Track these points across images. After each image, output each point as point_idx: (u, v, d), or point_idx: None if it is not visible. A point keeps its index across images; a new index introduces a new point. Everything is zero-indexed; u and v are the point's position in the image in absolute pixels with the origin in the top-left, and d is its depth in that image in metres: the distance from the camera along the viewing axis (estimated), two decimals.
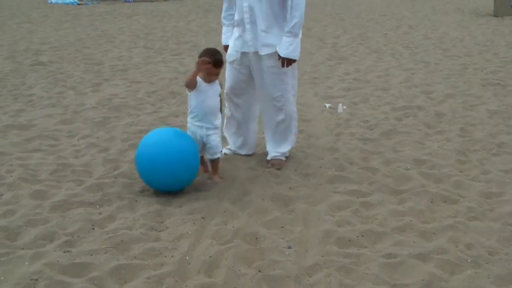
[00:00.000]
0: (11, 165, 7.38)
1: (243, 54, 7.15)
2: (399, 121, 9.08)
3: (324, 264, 5.02)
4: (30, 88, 11.58)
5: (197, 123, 6.68)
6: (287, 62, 6.91)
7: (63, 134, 8.65)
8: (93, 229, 5.71)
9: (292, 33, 6.81)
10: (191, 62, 13.68)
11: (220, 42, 7.65)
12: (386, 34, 18.09)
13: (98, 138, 8.36)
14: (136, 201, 6.28)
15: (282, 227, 5.73)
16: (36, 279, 4.83)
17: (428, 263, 5.05)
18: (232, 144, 7.71)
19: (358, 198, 6.37)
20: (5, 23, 21.53)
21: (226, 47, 7.48)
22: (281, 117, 7.22)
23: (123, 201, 6.25)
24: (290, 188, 6.58)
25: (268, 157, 7.39)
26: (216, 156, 6.79)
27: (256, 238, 5.49)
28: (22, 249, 5.34)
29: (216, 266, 5.03)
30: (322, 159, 7.46)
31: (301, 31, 6.96)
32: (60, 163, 7.32)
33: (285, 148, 7.39)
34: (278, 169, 7.16)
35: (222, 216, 5.93)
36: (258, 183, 6.72)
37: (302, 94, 10.60)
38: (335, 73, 12.50)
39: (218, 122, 6.77)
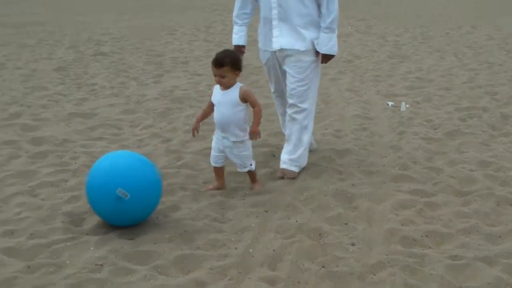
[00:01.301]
0: (75, 152, 7.48)
1: (273, 53, 6.89)
2: (463, 122, 8.96)
3: (388, 262, 4.96)
4: (92, 77, 11.72)
5: (221, 133, 6.29)
6: (327, 58, 6.80)
7: (126, 123, 8.73)
8: (157, 218, 5.74)
9: (331, 29, 6.64)
10: (251, 56, 13.65)
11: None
12: (448, 33, 17.88)
13: (160, 128, 8.42)
14: (199, 192, 6.30)
15: (346, 224, 5.69)
16: (101, 265, 4.88)
17: (495, 266, 4.95)
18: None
19: (422, 198, 6.29)
20: (68, 13, 21.79)
21: (237, 48, 7.10)
22: (297, 115, 6.86)
23: (186, 192, 6.27)
24: (353, 185, 6.53)
25: (281, 165, 6.91)
26: (245, 170, 6.43)
27: (319, 234, 5.46)
28: (87, 234, 5.40)
29: (279, 260, 5.01)
30: (385, 157, 7.40)
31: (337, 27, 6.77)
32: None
33: (297, 153, 6.86)
34: (291, 178, 6.76)
35: (285, 211, 5.91)
36: (321, 179, 6.69)
37: (364, 92, 10.58)
38: (397, 71, 12.40)
39: (243, 134, 6.23)
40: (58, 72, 12.17)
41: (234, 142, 6.23)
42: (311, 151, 7.34)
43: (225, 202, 6.09)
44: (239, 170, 6.45)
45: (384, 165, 7.12)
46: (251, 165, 6.41)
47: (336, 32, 6.71)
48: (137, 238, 5.32)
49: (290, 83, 6.80)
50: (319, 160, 7.20)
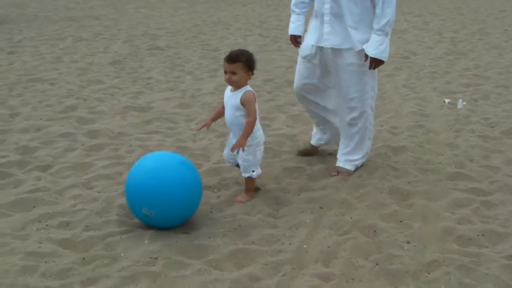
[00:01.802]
0: (131, 145, 7.53)
1: (319, 48, 6.53)
2: None
3: (444, 261, 4.91)
4: (148, 71, 11.78)
5: (231, 134, 6.05)
6: (376, 63, 6.31)
7: (181, 117, 8.76)
8: (211, 212, 5.76)
9: (384, 32, 6.18)
10: None
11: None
12: (506, 30, 17.64)
13: (215, 123, 8.40)
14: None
15: (401, 221, 5.64)
16: (156, 258, 4.91)
17: None
18: (318, 139, 7.29)
19: (478, 196, 6.20)
20: (123, 7, 21.98)
21: (293, 38, 6.83)
22: (355, 120, 6.63)
23: (241, 187, 6.26)
24: (409, 182, 6.47)
25: (337, 163, 6.83)
26: (246, 175, 6.02)
27: (374, 231, 5.42)
28: (141, 228, 5.43)
29: (333, 256, 4.99)
30: (442, 154, 7.32)
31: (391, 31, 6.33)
32: (178, 146, 7.42)
33: (357, 155, 6.77)
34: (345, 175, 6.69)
35: (340, 207, 5.88)
36: (376, 175, 6.64)
37: (421, 88, 10.49)
38: (454, 68, 12.26)
39: (250, 139, 5.84)
40: (113, 66, 12.26)
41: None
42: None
43: (280, 197, 6.09)
44: (242, 174, 6.06)
45: (440, 163, 7.05)
46: (253, 171, 6.00)
47: (389, 36, 6.28)
48: (192, 232, 5.34)
49: (343, 87, 6.52)
50: (375, 157, 7.15)
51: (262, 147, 6.07)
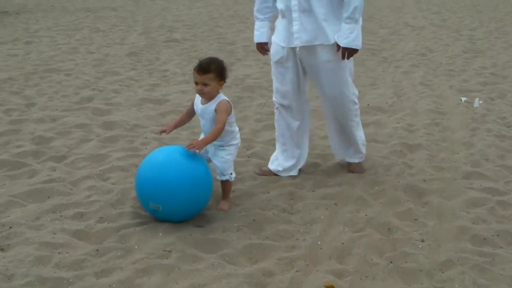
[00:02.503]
0: (146, 137, 7.54)
1: (290, 50, 6.12)
2: None
3: (458, 261, 4.88)
4: (164, 63, 11.80)
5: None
6: (348, 52, 5.94)
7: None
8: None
9: (353, 19, 5.83)
10: None
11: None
12: None
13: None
14: (269, 182, 6.27)
15: (415, 219, 5.61)
16: (169, 251, 4.91)
17: None
18: (277, 165, 6.58)
19: (494, 196, 6.16)
20: None
21: (260, 45, 6.51)
22: (342, 117, 6.39)
23: (256, 181, 6.26)
24: (424, 180, 6.44)
25: (345, 160, 6.73)
26: (224, 178, 5.68)
27: (389, 229, 5.40)
28: (156, 220, 5.41)
29: (348, 253, 4.97)
30: (457, 153, 7.29)
31: (361, 17, 5.99)
32: (194, 138, 7.37)
33: (355, 147, 6.58)
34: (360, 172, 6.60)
35: (354, 204, 5.86)
36: (392, 173, 6.62)
37: (437, 86, 10.45)
38: (471, 66, 12.20)
39: (229, 138, 5.69)
40: (130, 58, 12.28)
41: (217, 145, 5.68)
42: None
43: (295, 192, 6.07)
44: (218, 178, 5.71)
45: (455, 162, 7.01)
46: (231, 174, 5.69)
47: (360, 23, 5.96)
48: (206, 226, 5.33)
49: (323, 86, 6.19)
50: (390, 154, 7.12)
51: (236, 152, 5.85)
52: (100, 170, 6.52)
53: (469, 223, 5.53)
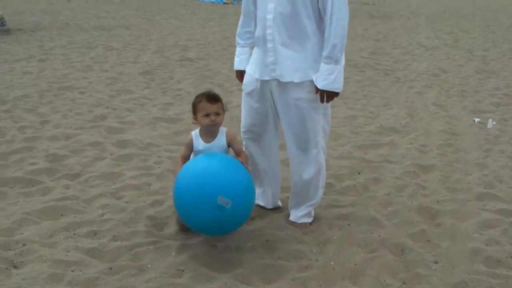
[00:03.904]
0: (159, 156, 7.55)
1: (264, 82, 5.49)
2: None
3: (471, 282, 4.86)
4: (178, 82, 11.84)
5: None
6: (327, 95, 5.27)
7: None
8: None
9: (332, 59, 5.11)
10: None
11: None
12: None
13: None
14: (282, 200, 6.27)
15: (429, 240, 5.60)
16: (182, 270, 4.91)
17: None
18: None
19: (507, 217, 6.15)
20: (154, 18, 22.11)
21: (239, 73, 5.89)
22: (306, 165, 5.66)
23: None
24: (437, 201, 6.43)
25: (290, 217, 5.96)
26: None
27: (402, 250, 5.39)
28: (169, 239, 5.43)
29: (361, 274, 4.96)
30: (471, 174, 7.27)
31: (343, 56, 5.24)
32: None
33: (305, 209, 5.87)
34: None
35: (368, 224, 5.85)
36: (405, 193, 6.61)
37: (450, 107, 10.43)
38: (484, 87, 12.19)
39: None
40: (143, 76, 12.32)
41: None
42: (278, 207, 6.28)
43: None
44: None
45: (469, 183, 7.00)
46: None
47: (342, 63, 5.22)
48: (219, 245, 5.33)
49: (291, 126, 5.52)
50: (403, 175, 7.12)
51: None
52: (114, 189, 6.53)
53: (482, 245, 5.51)
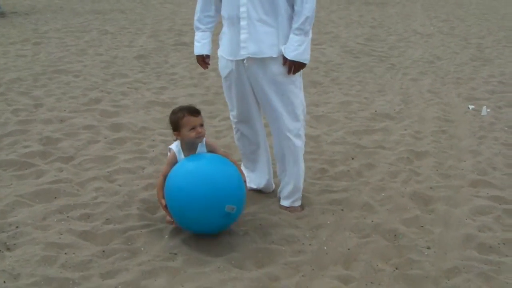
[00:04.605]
0: (153, 140, 7.56)
1: (239, 63, 5.49)
2: None
3: (464, 268, 4.88)
4: (172, 67, 11.81)
5: None
6: (296, 66, 5.38)
7: (205, 114, 8.62)
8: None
9: (303, 30, 5.25)
10: (331, 53, 13.62)
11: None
12: None
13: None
14: (275, 186, 6.27)
15: (422, 226, 5.61)
16: (175, 254, 4.93)
17: None
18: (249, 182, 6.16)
19: (500, 204, 6.15)
20: (149, 2, 22.04)
21: (200, 58, 5.88)
22: (289, 139, 5.66)
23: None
24: (430, 188, 6.44)
25: (280, 202, 5.98)
26: None
27: (395, 235, 5.39)
28: (162, 223, 5.44)
29: (353, 259, 4.97)
30: (464, 161, 7.27)
31: (311, 30, 5.40)
32: None
33: (289, 186, 5.88)
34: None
35: (361, 210, 5.86)
36: (398, 179, 6.62)
37: (445, 94, 10.42)
38: (479, 74, 12.16)
39: None
40: (138, 60, 12.29)
41: None
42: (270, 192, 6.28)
43: (302, 198, 6.03)
44: None
45: (462, 169, 7.00)
46: None
47: (310, 36, 5.38)
48: None
49: (271, 102, 5.54)
50: (397, 161, 7.12)
51: None
52: (107, 172, 6.53)
53: (475, 231, 5.53)
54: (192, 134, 5.17)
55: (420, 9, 22.17)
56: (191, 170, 5.02)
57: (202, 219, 4.93)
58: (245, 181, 5.25)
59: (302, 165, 5.86)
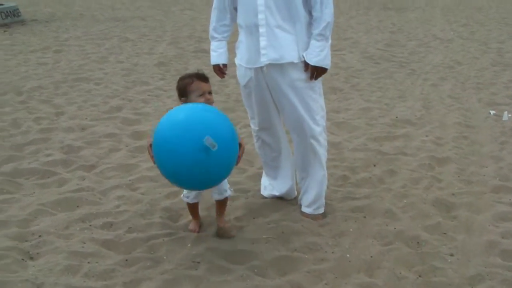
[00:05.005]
0: None
1: (258, 70, 5.47)
2: None
3: (487, 275, 4.85)
4: None
5: None
6: (318, 72, 5.38)
7: None
8: (254, 218, 5.76)
9: (324, 36, 5.26)
10: (351, 58, 13.60)
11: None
12: None
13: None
14: (298, 193, 6.27)
15: (444, 233, 5.59)
16: (198, 262, 4.93)
17: None
18: (268, 190, 6.26)
19: None
20: (169, 9, 22.14)
21: (217, 67, 5.84)
22: (310, 147, 5.63)
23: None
24: (453, 194, 6.41)
25: (302, 209, 5.94)
26: (224, 195, 5.39)
27: (418, 242, 5.37)
28: (185, 231, 5.46)
29: (376, 266, 4.96)
30: (486, 167, 7.24)
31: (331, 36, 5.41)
32: None
33: (311, 194, 5.84)
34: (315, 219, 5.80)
35: (383, 217, 5.84)
36: (420, 186, 6.59)
37: (466, 99, 10.37)
38: (499, 79, 12.10)
39: None
40: (159, 68, 12.33)
41: None
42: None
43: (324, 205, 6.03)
44: (214, 198, 5.40)
45: (484, 175, 6.97)
46: (230, 189, 5.41)
47: (330, 41, 5.39)
48: (235, 238, 5.36)
49: (291, 108, 5.50)
50: (419, 167, 7.10)
51: None
52: (129, 180, 6.55)
53: (498, 238, 5.50)
54: (201, 100, 5.01)
55: (439, 14, 22.12)
56: (179, 108, 4.74)
57: (178, 149, 4.42)
58: (241, 143, 4.85)
59: (324, 172, 5.84)
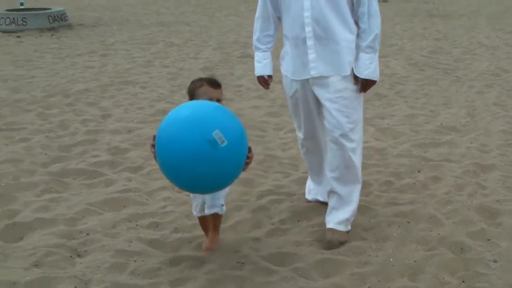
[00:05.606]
0: None
1: (304, 82, 5.41)
2: None
3: None
4: (238, 79, 11.89)
5: None
6: (368, 84, 5.37)
7: (270, 126, 8.82)
8: (298, 221, 5.80)
9: (373, 48, 5.24)
10: (396, 65, 13.57)
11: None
12: None
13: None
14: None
15: (488, 240, 5.57)
16: (242, 263, 4.99)
17: None
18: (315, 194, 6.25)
19: None
20: (213, 14, 22.24)
21: (262, 79, 5.81)
22: (350, 159, 5.45)
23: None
24: (497, 201, 6.38)
25: (328, 225, 5.57)
26: (213, 210, 5.05)
27: (461, 248, 5.37)
28: (230, 232, 5.51)
29: (420, 271, 4.96)
30: None
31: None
32: (267, 154, 7.48)
33: (347, 211, 5.57)
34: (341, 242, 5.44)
35: (427, 222, 5.84)
36: (464, 192, 6.57)
37: (511, 107, 10.29)
38: None
39: None
40: (204, 72, 12.37)
41: None
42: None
43: (368, 208, 6.08)
44: (206, 212, 5.07)
45: None
46: (222, 205, 5.07)
47: (378, 53, 5.38)
48: (279, 240, 5.40)
49: (335, 119, 5.33)
50: (463, 174, 7.07)
51: None
52: None
53: None
54: None
55: (485, 21, 21.95)
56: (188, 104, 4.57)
57: (183, 136, 4.20)
58: (250, 148, 4.53)
59: (359, 186, 5.70)
